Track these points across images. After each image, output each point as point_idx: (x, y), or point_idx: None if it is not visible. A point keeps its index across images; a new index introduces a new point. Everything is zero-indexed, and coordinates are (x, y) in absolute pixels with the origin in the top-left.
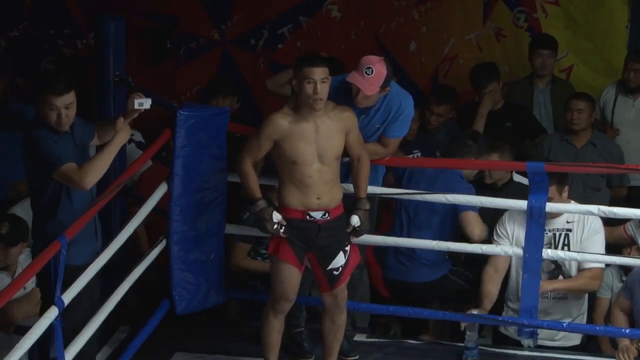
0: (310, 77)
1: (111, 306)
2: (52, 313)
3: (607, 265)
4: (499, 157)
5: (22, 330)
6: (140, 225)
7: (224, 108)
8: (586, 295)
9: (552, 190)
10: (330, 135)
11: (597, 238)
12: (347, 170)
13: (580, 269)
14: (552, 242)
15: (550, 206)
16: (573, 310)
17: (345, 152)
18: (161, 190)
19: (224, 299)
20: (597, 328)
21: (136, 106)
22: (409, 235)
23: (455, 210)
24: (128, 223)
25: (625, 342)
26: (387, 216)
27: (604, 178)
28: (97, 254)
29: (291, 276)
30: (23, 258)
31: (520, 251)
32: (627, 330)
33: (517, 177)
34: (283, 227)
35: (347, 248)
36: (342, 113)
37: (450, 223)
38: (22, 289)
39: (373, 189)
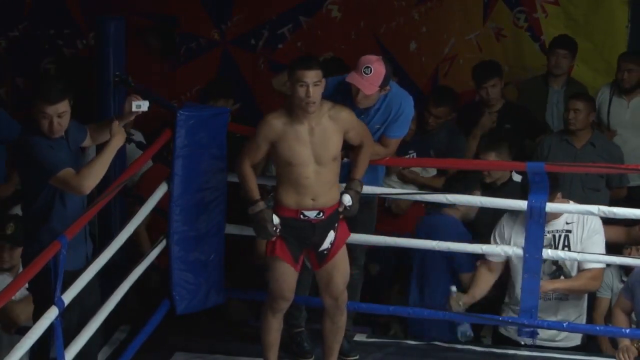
0: (302, 80)
1: (111, 306)
2: (52, 313)
3: (607, 265)
4: (497, 157)
5: (24, 331)
6: (140, 225)
7: (224, 108)
8: (585, 296)
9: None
10: (327, 136)
11: (597, 238)
12: (347, 171)
13: (580, 270)
14: (552, 243)
15: (550, 206)
16: (573, 310)
17: (346, 154)
18: (161, 190)
19: (224, 299)
20: (597, 328)
21: (134, 108)
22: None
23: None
24: (128, 223)
25: (625, 342)
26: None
27: (603, 178)
28: (87, 257)
29: (287, 275)
30: None
31: (520, 251)
32: (627, 330)
33: (517, 177)
34: (278, 230)
35: (336, 224)
36: (340, 113)
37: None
38: (25, 289)
39: (373, 189)
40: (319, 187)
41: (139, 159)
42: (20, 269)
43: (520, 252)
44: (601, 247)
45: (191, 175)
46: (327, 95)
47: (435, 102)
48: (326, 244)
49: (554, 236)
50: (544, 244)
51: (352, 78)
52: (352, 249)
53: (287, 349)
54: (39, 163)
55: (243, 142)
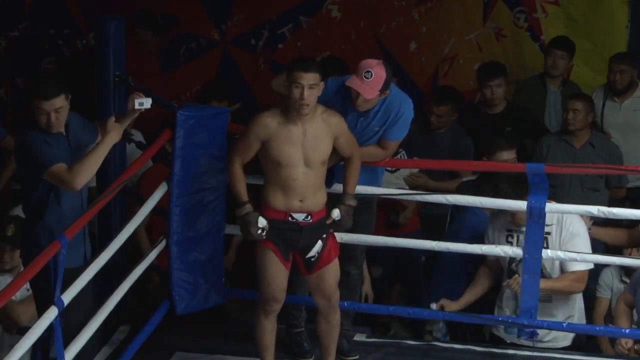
0: (298, 81)
1: (111, 306)
2: (52, 313)
3: (607, 265)
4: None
5: (26, 332)
6: (140, 225)
7: (224, 108)
8: (576, 298)
9: None
10: (318, 139)
11: (577, 241)
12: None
13: (563, 271)
14: None
15: (550, 207)
16: (558, 312)
17: (341, 158)
18: (161, 190)
19: (224, 299)
20: (597, 328)
21: (137, 106)
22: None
23: None
24: (128, 223)
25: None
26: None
27: (602, 179)
28: (85, 257)
29: (277, 276)
30: None
31: (520, 251)
32: (627, 330)
33: None
34: (265, 232)
35: (325, 236)
36: (331, 118)
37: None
38: (26, 290)
39: (373, 190)
40: (306, 189)
41: (139, 159)
42: (22, 269)
43: (520, 252)
44: (584, 249)
45: (191, 175)
46: (327, 97)
47: (436, 101)
48: (313, 252)
49: None
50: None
51: (353, 82)
52: (352, 249)
53: (287, 349)
54: (34, 158)
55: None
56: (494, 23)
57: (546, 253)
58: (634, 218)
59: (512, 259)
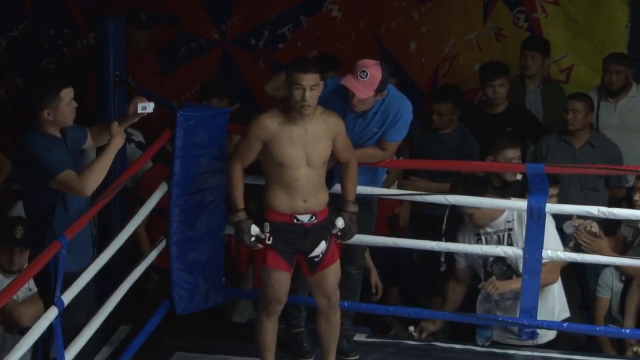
0: (299, 83)
1: (111, 306)
2: (52, 313)
3: (607, 265)
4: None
5: (26, 331)
6: (140, 225)
7: (224, 108)
8: (553, 288)
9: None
10: (318, 139)
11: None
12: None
13: None
14: (499, 244)
15: (550, 207)
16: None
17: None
18: (161, 190)
19: (224, 299)
20: (597, 328)
21: (139, 110)
22: None
23: None
24: (128, 223)
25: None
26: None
27: (602, 179)
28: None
29: (282, 280)
30: None
31: (520, 251)
32: (627, 331)
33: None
34: (270, 237)
35: (329, 237)
36: (329, 118)
37: None
38: (28, 290)
39: (373, 190)
40: (309, 189)
41: (139, 159)
42: None
43: (520, 252)
44: (550, 241)
45: (191, 175)
46: (324, 96)
47: (436, 98)
48: (317, 252)
49: (498, 236)
50: (492, 244)
51: (347, 81)
52: (352, 249)
53: (287, 349)
54: (39, 165)
55: None
56: (494, 23)
57: (546, 253)
58: (633, 218)
59: (485, 261)
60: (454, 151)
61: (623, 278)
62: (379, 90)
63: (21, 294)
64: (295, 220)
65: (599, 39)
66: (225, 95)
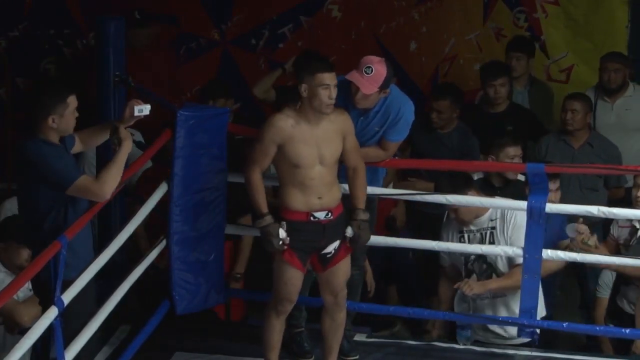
0: (326, 83)
1: (111, 306)
2: (52, 313)
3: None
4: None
5: (27, 331)
6: (140, 225)
7: (224, 108)
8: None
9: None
10: (331, 138)
11: (522, 233)
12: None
13: (511, 265)
14: (481, 242)
15: (550, 207)
16: (514, 306)
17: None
18: (161, 190)
19: (224, 299)
20: (597, 328)
21: (136, 113)
22: None
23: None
24: (128, 223)
25: None
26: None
27: (601, 179)
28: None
29: (295, 279)
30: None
31: (520, 251)
32: (627, 331)
33: (521, 177)
34: (284, 243)
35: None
36: (339, 116)
37: None
38: (29, 290)
39: (373, 190)
40: (323, 187)
41: (139, 159)
42: None
43: (520, 252)
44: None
45: (191, 175)
46: None
47: (435, 96)
48: (330, 248)
49: (481, 234)
50: (475, 243)
51: (352, 76)
52: (353, 249)
53: (287, 349)
54: (50, 174)
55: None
56: (494, 23)
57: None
58: (633, 218)
59: (467, 259)
60: (454, 151)
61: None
62: (383, 87)
63: (21, 294)
64: (312, 218)
65: (599, 39)
66: (232, 95)
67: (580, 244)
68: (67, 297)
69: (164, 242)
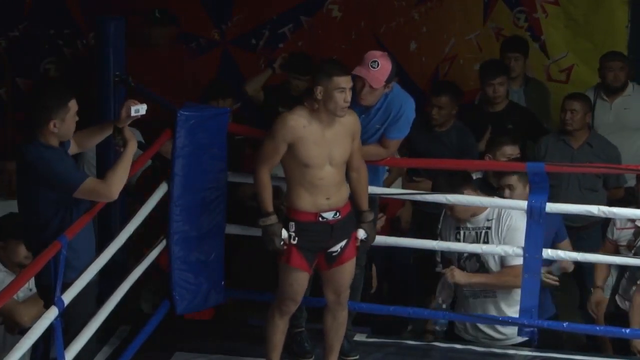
0: (342, 86)
1: (111, 306)
2: (52, 313)
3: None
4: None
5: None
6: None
7: (224, 108)
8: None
9: (514, 179)
10: (341, 139)
11: (516, 235)
12: None
13: (502, 265)
14: (476, 240)
15: (550, 207)
16: (504, 307)
17: None
18: (161, 190)
19: (224, 299)
20: (597, 328)
21: (133, 113)
22: None
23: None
24: (128, 223)
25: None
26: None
27: (600, 179)
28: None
29: (301, 279)
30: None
31: (520, 251)
32: (627, 331)
33: None
34: (295, 237)
35: (351, 234)
36: (350, 117)
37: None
38: (28, 290)
39: (373, 189)
40: (331, 187)
41: (139, 159)
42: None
43: (520, 251)
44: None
45: (191, 175)
46: None
47: (436, 92)
48: (337, 247)
49: (477, 233)
50: (469, 241)
51: (359, 72)
52: None
53: (288, 349)
54: (55, 179)
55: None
56: (494, 23)
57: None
58: (633, 218)
59: (460, 256)
60: (453, 149)
61: (626, 276)
62: (389, 81)
63: (21, 294)
64: (320, 219)
65: (599, 39)
66: (231, 94)
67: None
68: (69, 297)
69: (164, 242)
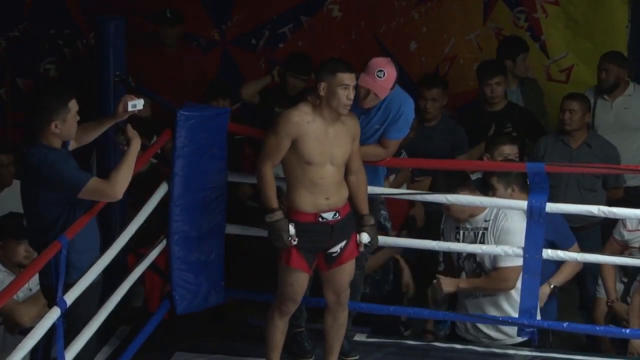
0: (346, 83)
1: (112, 306)
2: (54, 313)
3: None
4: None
5: (27, 332)
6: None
7: (224, 108)
8: (511, 296)
9: (494, 179)
10: (342, 138)
11: (509, 237)
12: None
13: (493, 267)
14: (474, 241)
15: (550, 206)
16: (505, 305)
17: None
18: (161, 190)
19: (224, 299)
20: (597, 328)
21: (130, 108)
22: None
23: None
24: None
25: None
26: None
27: (599, 179)
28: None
29: (301, 280)
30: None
31: (520, 251)
32: (628, 331)
33: None
34: (295, 241)
35: (351, 235)
36: (351, 119)
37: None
38: (28, 290)
39: (373, 189)
40: (332, 186)
41: (139, 159)
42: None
43: (520, 252)
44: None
45: (192, 175)
46: None
47: (427, 85)
48: (336, 248)
49: (475, 233)
50: (468, 241)
51: (366, 82)
52: None
53: (288, 349)
54: (59, 180)
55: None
56: (494, 23)
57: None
58: (634, 218)
59: (459, 256)
60: (444, 144)
61: (624, 279)
62: (393, 87)
63: (21, 294)
64: (320, 219)
65: (599, 39)
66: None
67: None
68: (73, 298)
69: (164, 242)
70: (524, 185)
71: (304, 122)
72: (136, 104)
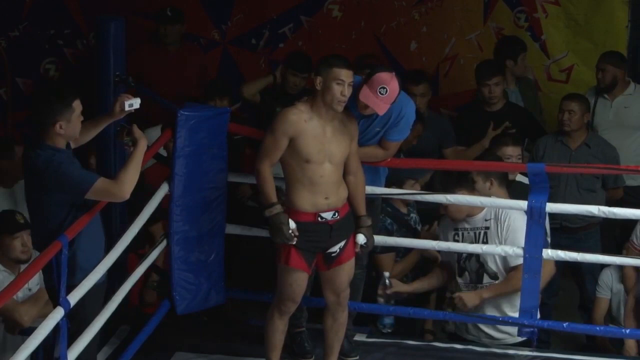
0: (341, 78)
1: (113, 306)
2: (58, 314)
3: (607, 265)
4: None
5: (28, 332)
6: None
7: (224, 108)
8: (509, 299)
9: (474, 172)
10: (340, 137)
11: (517, 235)
12: None
13: (505, 267)
14: (474, 241)
15: (550, 206)
16: (505, 305)
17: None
18: (162, 190)
19: (224, 299)
20: (597, 328)
21: (126, 107)
22: None
23: None
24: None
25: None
26: None
27: (598, 179)
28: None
29: (300, 280)
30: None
31: (520, 251)
32: (627, 331)
33: (520, 177)
34: (296, 235)
35: (350, 235)
36: (350, 120)
37: None
38: (28, 290)
39: (373, 189)
40: (331, 185)
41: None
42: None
43: (520, 251)
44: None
45: (192, 175)
46: None
47: (415, 81)
48: (335, 248)
49: (475, 233)
50: (468, 241)
51: (367, 98)
52: None
53: (288, 349)
54: (67, 181)
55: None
56: (495, 23)
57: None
58: (634, 218)
59: (460, 256)
60: (432, 136)
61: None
62: (395, 100)
63: (21, 294)
64: (319, 219)
65: (599, 39)
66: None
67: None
68: (77, 299)
69: (164, 242)
70: (502, 179)
71: (302, 120)
72: (133, 103)
